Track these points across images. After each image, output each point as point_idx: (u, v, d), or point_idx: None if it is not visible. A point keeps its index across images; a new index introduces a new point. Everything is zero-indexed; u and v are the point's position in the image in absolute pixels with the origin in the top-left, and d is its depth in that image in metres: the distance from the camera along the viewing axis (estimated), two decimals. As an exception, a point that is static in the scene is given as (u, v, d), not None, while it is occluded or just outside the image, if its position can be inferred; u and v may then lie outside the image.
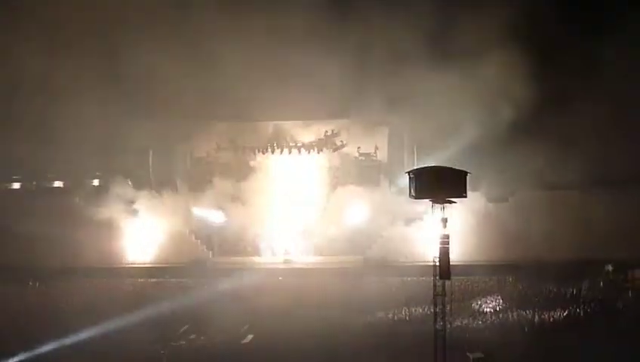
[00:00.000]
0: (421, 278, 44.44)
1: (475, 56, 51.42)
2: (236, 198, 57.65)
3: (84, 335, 37.27)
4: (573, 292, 45.10)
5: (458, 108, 51.95)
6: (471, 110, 52.19)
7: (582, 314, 41.36)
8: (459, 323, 37.06)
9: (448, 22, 51.56)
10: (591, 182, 51.95)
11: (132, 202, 56.28)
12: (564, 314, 41.09)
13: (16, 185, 59.97)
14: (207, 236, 57.07)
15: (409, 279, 48.16)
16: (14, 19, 51.24)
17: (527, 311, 41.31)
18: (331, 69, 51.50)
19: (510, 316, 40.22)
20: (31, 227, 51.61)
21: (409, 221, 53.30)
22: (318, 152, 59.24)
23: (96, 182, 58.58)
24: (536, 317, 40.30)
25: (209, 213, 56.86)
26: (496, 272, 49.52)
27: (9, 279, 48.34)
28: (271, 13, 52.34)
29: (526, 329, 38.22)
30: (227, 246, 57.23)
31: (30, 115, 52.91)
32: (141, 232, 55.95)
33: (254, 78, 52.56)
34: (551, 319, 40.12)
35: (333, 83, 52.36)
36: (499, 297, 44.69)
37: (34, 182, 60.02)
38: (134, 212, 56.22)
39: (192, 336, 38.28)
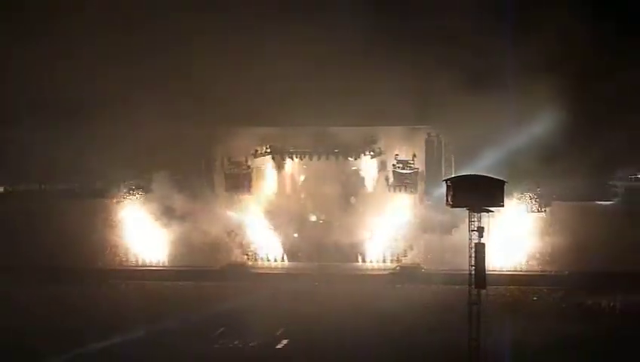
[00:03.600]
0: (456, 287, 44.38)
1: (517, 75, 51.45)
2: (274, 203, 57.91)
3: (121, 337, 37.71)
4: (610, 304, 44.64)
5: (498, 119, 51.76)
6: (510, 122, 52.05)
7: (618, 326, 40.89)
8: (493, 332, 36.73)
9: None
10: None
11: (171, 206, 56.68)
12: (600, 326, 40.62)
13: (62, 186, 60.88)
14: (245, 240, 57.36)
15: (444, 287, 47.99)
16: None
17: (562, 323, 40.89)
18: (372, 74, 51.52)
19: (543, 327, 39.85)
20: (69, 229, 52.44)
21: (446, 229, 53.08)
22: (356, 159, 59.22)
23: (133, 185, 59.10)
24: (572, 328, 39.87)
25: (247, 218, 57.18)
26: (533, 283, 49.22)
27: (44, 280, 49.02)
28: (313, 20, 52.44)
29: (560, 341, 37.79)
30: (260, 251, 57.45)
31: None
32: (179, 235, 56.32)
33: (294, 83, 52.72)
34: (586, 331, 39.65)
35: (373, 89, 52.33)
36: (534, 307, 44.42)
37: (75, 184, 60.83)
38: (173, 215, 56.61)
39: (227, 340, 38.48)
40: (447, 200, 31.88)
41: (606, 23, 50.39)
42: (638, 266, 48.73)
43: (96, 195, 59.43)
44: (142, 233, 56.86)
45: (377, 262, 56.13)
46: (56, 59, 51.71)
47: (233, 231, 57.57)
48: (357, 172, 59.15)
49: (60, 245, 52.22)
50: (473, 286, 30.60)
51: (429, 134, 57.69)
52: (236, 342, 38.20)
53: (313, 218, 59.19)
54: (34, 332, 38.23)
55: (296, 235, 57.87)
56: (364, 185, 59.37)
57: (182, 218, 56.61)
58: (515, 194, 52.86)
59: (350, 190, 59.22)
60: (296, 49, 51.81)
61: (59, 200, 59.20)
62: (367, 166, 59.34)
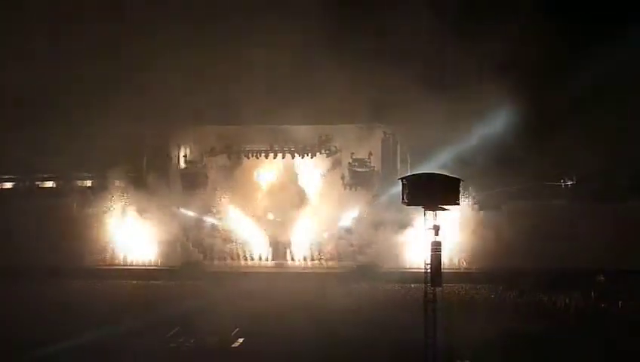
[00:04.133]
0: (412, 285, 44.68)
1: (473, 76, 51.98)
2: (229, 202, 57.75)
3: (78, 337, 37.07)
4: (565, 301, 45.26)
5: (454, 118, 52.21)
6: (467, 121, 52.56)
7: (572, 324, 41.44)
8: (449, 331, 36.95)
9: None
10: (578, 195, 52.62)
11: (125, 204, 56.24)
12: (554, 323, 41.14)
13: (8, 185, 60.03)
14: (200, 239, 57.11)
15: (400, 286, 48.26)
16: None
17: (517, 320, 41.32)
18: (327, 73, 51.64)
19: (499, 325, 40.20)
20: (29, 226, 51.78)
21: (401, 227, 53.36)
22: (312, 157, 59.34)
23: (89, 183, 58.55)
24: (526, 325, 40.32)
25: (202, 217, 56.96)
26: (487, 280, 49.68)
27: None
28: (268, 18, 52.43)
29: (515, 338, 38.17)
30: (218, 249, 57.19)
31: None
32: (133, 234, 55.92)
33: (250, 82, 52.68)
34: (540, 328, 40.09)
35: (328, 87, 52.46)
36: (489, 305, 44.83)
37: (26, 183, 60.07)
38: (127, 213, 56.18)
39: (182, 339, 38.22)
40: (402, 198, 32.02)
41: (562, 22, 51.05)
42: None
43: (50, 194, 58.67)
44: (95, 232, 56.22)
45: (333, 260, 56.17)
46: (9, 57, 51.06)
47: (189, 230, 57.24)
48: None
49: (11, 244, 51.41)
50: (429, 285, 30.75)
51: (384, 133, 57.97)
52: (192, 341, 37.95)
53: (270, 216, 59.14)
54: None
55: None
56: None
57: (137, 216, 56.17)
58: (470, 193, 53.25)
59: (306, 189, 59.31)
60: (250, 48, 51.78)
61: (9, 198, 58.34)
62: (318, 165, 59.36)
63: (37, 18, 52.27)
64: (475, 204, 54.29)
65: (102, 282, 51.80)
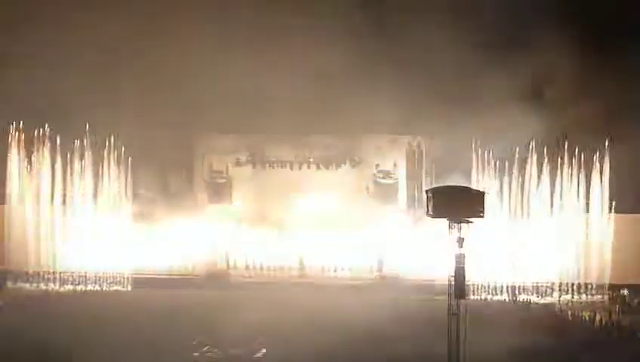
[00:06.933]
0: (436, 297, 44.38)
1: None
2: (256, 212, 57.91)
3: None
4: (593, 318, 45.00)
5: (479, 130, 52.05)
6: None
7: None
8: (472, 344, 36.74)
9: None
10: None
11: (151, 213, 56.53)
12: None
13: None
14: (225, 249, 57.31)
15: (424, 297, 48.09)
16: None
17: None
18: (355, 82, 51.68)
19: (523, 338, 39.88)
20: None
21: (426, 239, 53.17)
22: (336, 168, 59.30)
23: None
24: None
25: (228, 227, 57.15)
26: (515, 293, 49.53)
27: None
28: (297, 29, 52.50)
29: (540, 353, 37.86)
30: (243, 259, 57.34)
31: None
32: (160, 243, 56.18)
33: (276, 90, 52.80)
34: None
35: (355, 98, 52.48)
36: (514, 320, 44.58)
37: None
38: (154, 223, 56.47)
39: (205, 349, 38.28)
40: (427, 210, 31.95)
41: (599, 36, 50.60)
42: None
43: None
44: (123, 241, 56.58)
45: (358, 271, 56.10)
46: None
47: (214, 240, 57.46)
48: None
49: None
50: (453, 297, 30.59)
51: (409, 144, 57.83)
52: (215, 351, 38.00)
53: (295, 228, 59.13)
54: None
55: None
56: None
57: (161, 225, 56.49)
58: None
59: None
60: (279, 58, 51.93)
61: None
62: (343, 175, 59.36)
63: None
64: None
65: (126, 290, 52.03)
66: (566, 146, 52.74)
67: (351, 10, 52.85)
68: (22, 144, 54.32)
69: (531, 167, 53.11)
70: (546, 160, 53.21)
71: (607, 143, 51.99)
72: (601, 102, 51.60)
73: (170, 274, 55.58)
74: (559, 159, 52.76)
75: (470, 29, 51.34)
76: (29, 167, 54.54)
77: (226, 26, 52.57)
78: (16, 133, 53.99)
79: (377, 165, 58.86)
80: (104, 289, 53.77)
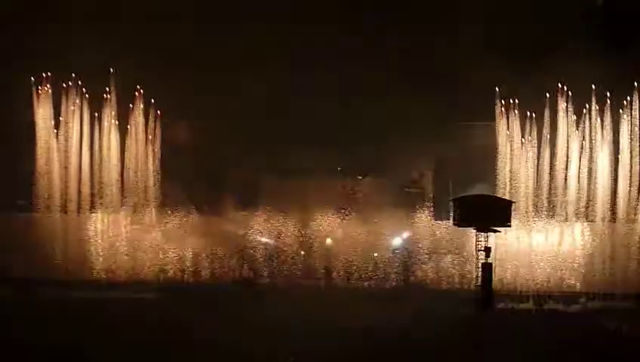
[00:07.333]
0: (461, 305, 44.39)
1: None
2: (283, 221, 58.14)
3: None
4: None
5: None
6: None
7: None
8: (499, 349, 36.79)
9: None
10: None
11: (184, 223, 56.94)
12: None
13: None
14: (252, 257, 57.57)
15: (449, 305, 47.99)
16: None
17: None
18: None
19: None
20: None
21: (451, 248, 53.09)
22: (364, 177, 59.34)
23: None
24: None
25: (262, 236, 57.43)
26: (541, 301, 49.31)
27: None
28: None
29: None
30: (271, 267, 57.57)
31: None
32: (190, 252, 56.56)
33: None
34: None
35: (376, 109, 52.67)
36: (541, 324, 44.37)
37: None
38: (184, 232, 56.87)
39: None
40: (453, 219, 32.10)
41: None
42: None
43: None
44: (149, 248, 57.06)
45: (384, 279, 56.12)
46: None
47: (241, 248, 57.72)
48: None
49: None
50: (480, 305, 30.72)
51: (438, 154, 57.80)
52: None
53: (329, 241, 59.27)
54: None
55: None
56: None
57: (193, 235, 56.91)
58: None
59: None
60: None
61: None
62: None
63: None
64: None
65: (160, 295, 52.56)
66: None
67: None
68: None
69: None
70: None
71: None
72: None
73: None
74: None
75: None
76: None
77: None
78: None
79: (405, 174, 58.70)
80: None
